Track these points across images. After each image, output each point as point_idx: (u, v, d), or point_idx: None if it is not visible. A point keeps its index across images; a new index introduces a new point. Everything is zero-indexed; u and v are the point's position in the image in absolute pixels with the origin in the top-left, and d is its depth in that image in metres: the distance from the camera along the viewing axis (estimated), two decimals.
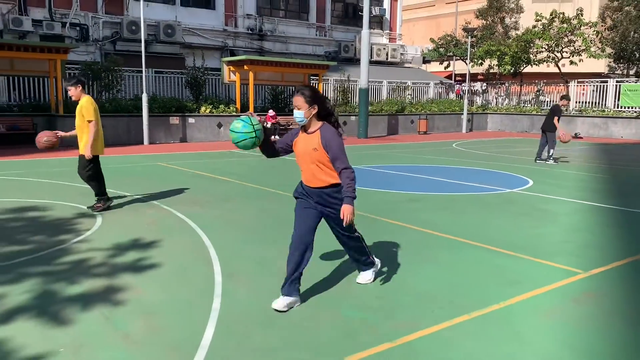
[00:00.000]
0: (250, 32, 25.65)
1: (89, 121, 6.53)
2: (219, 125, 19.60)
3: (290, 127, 21.99)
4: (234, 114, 19.96)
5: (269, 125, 20.80)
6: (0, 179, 9.43)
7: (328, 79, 24.19)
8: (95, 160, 6.77)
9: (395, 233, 5.92)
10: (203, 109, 19.46)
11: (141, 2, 17.21)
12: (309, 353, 3.11)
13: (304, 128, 3.75)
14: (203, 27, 24.23)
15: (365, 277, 4.29)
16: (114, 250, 5.05)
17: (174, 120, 18.63)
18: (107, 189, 6.97)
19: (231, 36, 25.18)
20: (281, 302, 3.70)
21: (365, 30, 19.82)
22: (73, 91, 6.59)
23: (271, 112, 20.96)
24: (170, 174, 10.34)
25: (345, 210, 3.62)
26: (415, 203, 7.67)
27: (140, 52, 17.42)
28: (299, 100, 3.66)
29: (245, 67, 19.52)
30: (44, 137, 6.53)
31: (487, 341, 3.30)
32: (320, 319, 3.60)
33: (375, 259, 4.36)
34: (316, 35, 27.91)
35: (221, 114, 19.68)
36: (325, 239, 4.73)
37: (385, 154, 15.16)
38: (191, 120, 19.05)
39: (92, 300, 3.85)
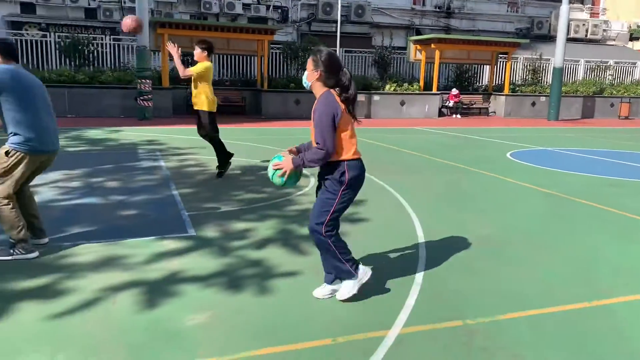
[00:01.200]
0: (437, 10, 25.61)
1: (192, 75, 6.84)
2: (402, 103, 20.21)
3: (474, 105, 21.73)
4: (417, 92, 20.38)
5: (451, 104, 20.85)
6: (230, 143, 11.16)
7: (517, 58, 23.22)
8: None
9: (594, 214, 5.95)
10: (387, 87, 20.23)
11: None
12: (500, 299, 3.56)
13: None
14: (391, 7, 24.86)
15: (345, 289, 3.40)
16: None
17: (361, 97, 19.67)
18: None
19: (418, 15, 25.44)
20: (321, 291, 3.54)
21: (564, 6, 18.61)
22: (199, 53, 6.88)
23: (454, 91, 20.95)
24: (363, 146, 11.15)
25: (285, 163, 3.21)
26: (615, 188, 7.43)
27: (331, 32, 18.76)
28: (309, 61, 3.28)
29: (433, 45, 19.75)
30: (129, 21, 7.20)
31: None
32: (518, 274, 4.00)
33: (359, 269, 3.42)
34: (507, 11, 26.78)
35: (405, 92, 20.26)
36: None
37: (579, 137, 14.34)
38: (376, 97, 19.95)
39: None
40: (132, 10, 20.50)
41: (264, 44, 18.33)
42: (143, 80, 15.44)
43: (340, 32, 21.24)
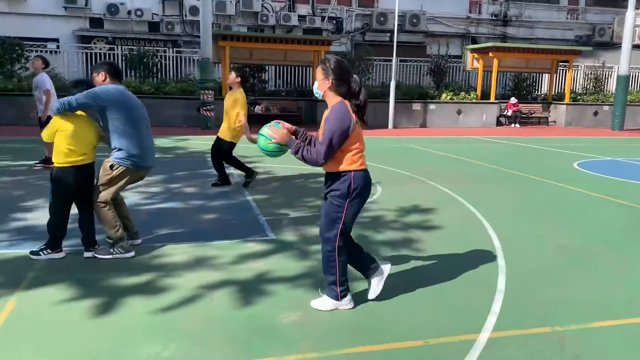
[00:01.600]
0: (494, 18, 25.27)
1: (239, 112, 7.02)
2: (459, 112, 20.02)
3: (534, 115, 21.26)
4: (474, 101, 20.15)
5: (509, 114, 20.48)
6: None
7: (579, 66, 22.60)
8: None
9: None
10: (444, 95, 20.10)
11: None
12: (588, 307, 3.54)
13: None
14: (446, 15, 24.71)
15: (323, 303, 3.45)
16: (400, 211, 6.06)
17: (416, 106, 19.66)
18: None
19: (474, 23, 25.17)
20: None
21: (630, 12, 18.00)
22: (233, 78, 7.07)
23: (513, 100, 20.58)
24: (423, 155, 11.28)
25: (280, 134, 3.29)
26: None
27: (385, 41, 18.81)
28: (318, 70, 3.31)
29: (491, 54, 19.52)
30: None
31: None
32: (603, 283, 3.97)
33: (345, 299, 3.43)
34: (567, 18, 26.11)
35: (461, 100, 20.07)
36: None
37: None
38: (432, 106, 19.85)
39: (397, 245, 4.84)
40: (193, 24, 21.30)
41: (320, 54, 18.61)
42: (206, 91, 15.99)
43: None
